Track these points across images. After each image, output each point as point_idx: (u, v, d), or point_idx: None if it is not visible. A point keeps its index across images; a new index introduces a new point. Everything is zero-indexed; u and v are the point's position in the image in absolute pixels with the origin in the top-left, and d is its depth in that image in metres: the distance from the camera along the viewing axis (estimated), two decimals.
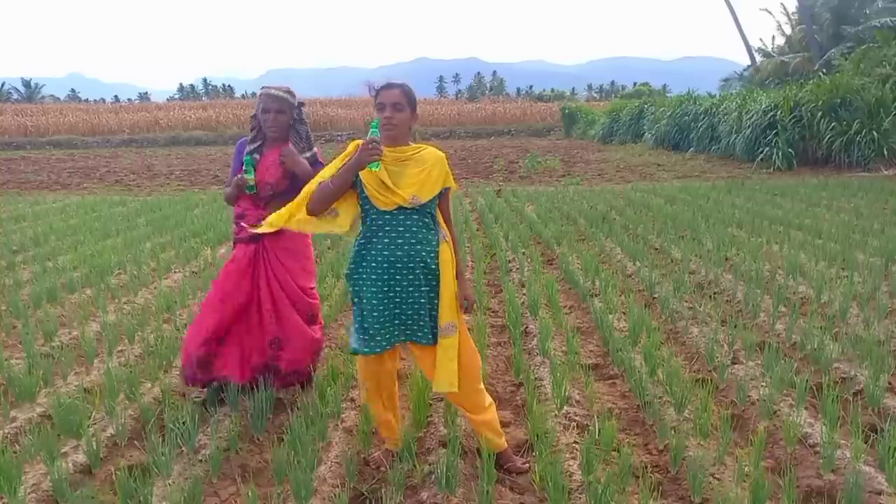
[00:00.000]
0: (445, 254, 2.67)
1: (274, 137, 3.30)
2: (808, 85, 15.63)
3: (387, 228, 2.60)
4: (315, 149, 3.42)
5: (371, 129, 2.53)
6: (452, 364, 2.64)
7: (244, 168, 3.25)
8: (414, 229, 2.60)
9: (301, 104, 3.37)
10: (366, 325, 2.65)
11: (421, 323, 2.66)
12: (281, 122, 3.25)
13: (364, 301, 2.66)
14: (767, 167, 14.37)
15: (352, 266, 2.69)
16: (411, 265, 2.60)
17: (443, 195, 2.70)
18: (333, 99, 44.46)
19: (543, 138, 31.28)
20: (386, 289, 2.61)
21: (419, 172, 2.60)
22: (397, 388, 2.97)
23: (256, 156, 3.28)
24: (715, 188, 11.19)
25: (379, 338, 2.66)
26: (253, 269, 3.30)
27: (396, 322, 2.66)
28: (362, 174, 2.57)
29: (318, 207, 2.61)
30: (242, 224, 3.25)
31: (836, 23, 24.86)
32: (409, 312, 2.65)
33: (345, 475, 2.75)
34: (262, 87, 3.29)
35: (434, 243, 2.65)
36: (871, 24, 21.16)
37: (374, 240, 2.62)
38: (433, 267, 2.63)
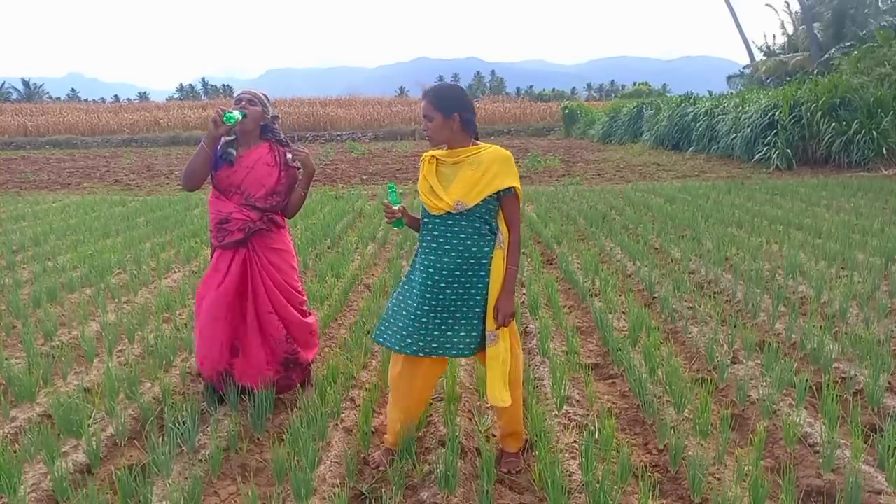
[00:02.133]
0: (497, 261, 2.59)
1: (246, 131, 3.23)
2: (806, 84, 15.63)
3: (435, 233, 2.60)
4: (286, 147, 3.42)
5: (389, 191, 2.69)
6: (497, 375, 2.55)
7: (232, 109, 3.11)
8: (462, 236, 2.56)
9: (276, 116, 3.37)
10: (401, 324, 2.64)
11: (462, 334, 2.59)
12: (253, 112, 3.21)
13: (409, 301, 2.65)
14: (767, 167, 14.37)
15: (411, 264, 2.72)
16: (457, 273, 2.56)
17: (502, 197, 2.59)
18: (333, 99, 44.42)
19: (543, 138, 31.30)
20: (429, 296, 2.59)
21: (471, 175, 2.53)
22: (428, 399, 2.95)
23: (233, 150, 3.23)
24: (715, 188, 11.19)
25: (410, 341, 2.61)
26: (248, 273, 3.29)
27: (436, 333, 2.60)
28: (420, 178, 2.65)
29: None
30: (227, 228, 3.23)
31: (837, 22, 24.89)
32: (450, 322, 2.59)
33: (345, 475, 2.75)
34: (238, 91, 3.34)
35: (486, 250, 2.58)
36: (872, 24, 21.16)
37: (424, 244, 2.63)
38: (482, 274, 2.57)
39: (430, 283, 2.59)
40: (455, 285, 2.58)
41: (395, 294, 2.76)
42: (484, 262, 2.58)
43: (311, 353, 3.51)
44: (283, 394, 3.46)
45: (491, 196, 2.56)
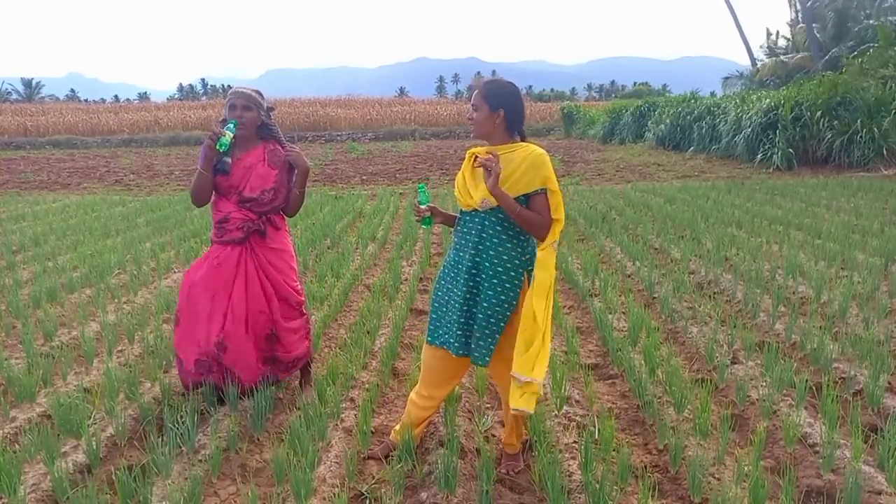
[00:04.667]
0: (528, 299, 2.51)
1: (243, 135, 3.26)
2: (808, 85, 15.63)
3: (463, 230, 2.62)
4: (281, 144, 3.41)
5: (419, 191, 2.79)
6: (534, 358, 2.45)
7: (225, 129, 3.12)
8: (484, 235, 2.53)
9: (270, 108, 3.37)
10: (433, 317, 2.69)
11: (479, 338, 2.54)
12: (249, 118, 3.23)
13: (436, 295, 2.69)
14: (767, 167, 14.38)
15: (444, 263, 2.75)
16: (474, 271, 2.54)
17: (532, 198, 2.50)
18: (333, 99, 44.47)
19: (543, 138, 31.30)
20: (449, 287, 2.62)
21: (500, 173, 2.50)
22: (450, 393, 2.97)
23: (228, 160, 3.24)
24: (715, 188, 11.19)
25: (439, 333, 2.66)
26: (243, 270, 3.29)
27: (456, 330, 2.59)
28: (459, 173, 2.66)
29: None
30: (226, 227, 3.24)
31: (838, 22, 24.89)
32: (470, 323, 2.56)
33: (345, 475, 2.75)
34: (231, 89, 3.31)
35: (510, 255, 2.53)
36: (873, 23, 21.13)
37: (455, 239, 2.65)
38: (499, 280, 2.52)
39: (449, 277, 2.62)
40: (471, 283, 2.55)
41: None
42: (501, 267, 2.52)
43: (297, 351, 3.44)
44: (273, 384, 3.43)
45: (518, 198, 2.49)
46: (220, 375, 3.30)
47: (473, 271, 2.55)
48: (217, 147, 3.10)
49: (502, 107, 2.54)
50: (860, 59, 16.35)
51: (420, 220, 2.75)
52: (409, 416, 2.87)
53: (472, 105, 2.59)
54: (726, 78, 32.22)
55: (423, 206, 2.73)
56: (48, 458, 2.73)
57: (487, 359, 2.57)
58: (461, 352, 2.63)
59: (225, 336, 3.23)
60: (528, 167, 2.48)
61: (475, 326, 2.56)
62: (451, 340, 2.62)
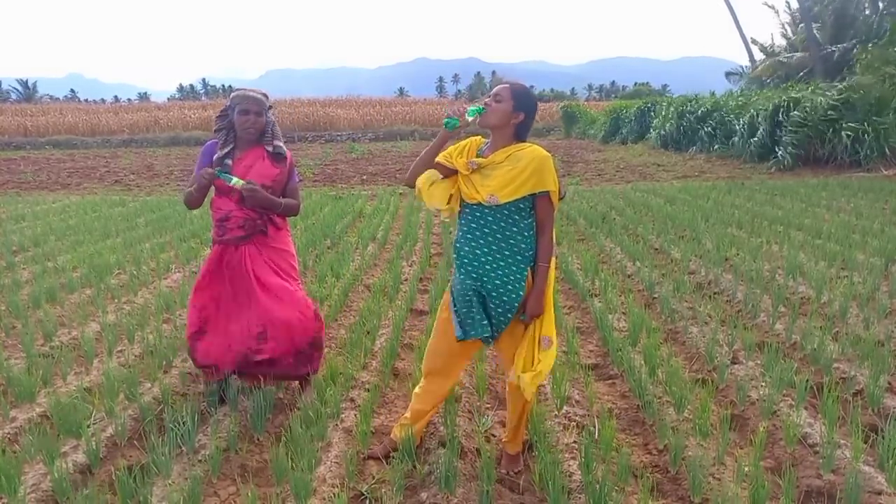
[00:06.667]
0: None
1: (248, 139, 3.29)
2: (808, 85, 15.62)
3: (463, 221, 2.65)
4: (282, 142, 3.39)
5: (474, 110, 2.60)
6: (535, 375, 2.55)
7: (219, 175, 3.18)
8: (495, 226, 2.57)
9: (269, 106, 3.38)
10: (458, 314, 2.64)
11: (479, 317, 2.59)
12: (260, 124, 3.26)
13: (456, 290, 2.66)
14: (767, 167, 14.37)
15: (452, 255, 2.73)
16: (499, 255, 2.56)
17: (536, 198, 2.59)
18: (333, 99, 44.43)
19: (543, 138, 31.29)
20: (469, 281, 2.60)
21: (508, 171, 2.54)
22: (458, 377, 3.02)
23: (229, 161, 3.25)
24: (715, 188, 11.19)
25: (467, 327, 2.62)
26: (244, 269, 3.28)
27: (479, 317, 2.59)
28: (460, 171, 2.63)
29: (413, 171, 2.72)
30: (227, 226, 3.27)
31: (837, 21, 24.89)
32: (496, 306, 2.59)
33: (344, 475, 2.75)
34: (237, 90, 3.29)
35: (524, 245, 2.58)
36: (875, 21, 21.08)
37: (465, 230, 2.64)
38: (507, 271, 2.56)
39: (469, 268, 2.60)
40: (499, 272, 2.57)
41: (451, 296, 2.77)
42: (504, 262, 2.56)
43: (298, 343, 3.32)
44: (249, 382, 3.38)
45: (524, 197, 2.56)
46: (255, 378, 3.28)
47: (476, 262, 2.58)
48: (231, 184, 3.18)
49: (524, 111, 2.59)
50: (867, 56, 16.27)
51: (449, 118, 2.58)
52: (410, 411, 2.89)
53: (496, 94, 2.59)
54: (729, 73, 32.21)
55: (469, 118, 2.57)
56: (48, 458, 2.73)
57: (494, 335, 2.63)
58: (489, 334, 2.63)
59: (265, 324, 3.22)
60: (533, 167, 2.53)
61: (493, 313, 2.59)
62: (480, 330, 2.60)
